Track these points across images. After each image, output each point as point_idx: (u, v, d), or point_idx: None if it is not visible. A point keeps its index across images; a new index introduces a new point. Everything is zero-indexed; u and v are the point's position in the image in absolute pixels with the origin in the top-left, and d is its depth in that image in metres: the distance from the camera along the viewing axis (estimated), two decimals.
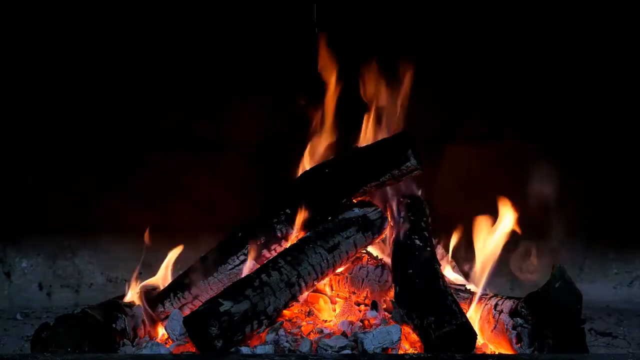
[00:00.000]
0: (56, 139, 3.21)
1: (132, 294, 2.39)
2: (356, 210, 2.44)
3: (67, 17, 3.11)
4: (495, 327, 2.19)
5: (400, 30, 3.12)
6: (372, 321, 2.30)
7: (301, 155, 2.69)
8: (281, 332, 2.18)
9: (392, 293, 2.33)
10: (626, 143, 3.26)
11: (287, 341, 2.15)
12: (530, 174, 2.52)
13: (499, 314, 2.18)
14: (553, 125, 3.26)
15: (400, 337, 2.10)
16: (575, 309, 2.05)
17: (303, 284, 2.23)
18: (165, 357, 2.08)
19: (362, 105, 2.69)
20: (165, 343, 2.25)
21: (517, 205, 2.51)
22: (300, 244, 2.32)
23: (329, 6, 3.02)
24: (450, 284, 2.44)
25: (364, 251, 2.50)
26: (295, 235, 2.44)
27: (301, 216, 2.42)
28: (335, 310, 2.41)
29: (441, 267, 2.35)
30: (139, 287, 2.46)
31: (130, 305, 2.32)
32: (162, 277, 2.51)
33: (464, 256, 2.64)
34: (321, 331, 2.24)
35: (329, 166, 2.52)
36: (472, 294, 2.37)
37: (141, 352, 2.14)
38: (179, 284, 2.43)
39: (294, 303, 2.29)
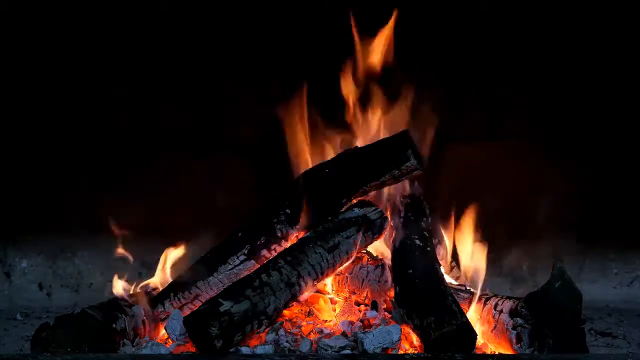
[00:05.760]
0: (56, 139, 3.21)
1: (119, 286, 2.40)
2: (356, 210, 2.44)
3: (67, 17, 3.11)
4: (495, 327, 2.19)
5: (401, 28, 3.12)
6: (372, 321, 2.29)
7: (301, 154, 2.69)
8: (281, 332, 2.18)
9: (392, 293, 2.32)
10: (626, 143, 3.26)
11: (287, 341, 2.15)
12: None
13: (499, 314, 2.18)
14: (554, 124, 3.26)
15: (400, 337, 2.09)
16: (575, 309, 2.05)
17: (303, 284, 2.23)
18: (165, 357, 2.08)
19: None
20: (165, 343, 2.25)
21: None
22: (300, 244, 2.32)
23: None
24: (450, 284, 2.44)
25: (364, 251, 2.50)
26: (295, 235, 2.44)
27: (301, 216, 2.42)
28: (335, 310, 2.41)
29: (441, 267, 2.35)
30: (140, 287, 2.46)
31: (130, 305, 2.32)
32: (160, 278, 2.51)
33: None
34: (321, 331, 2.24)
35: (329, 166, 2.52)
36: (472, 294, 2.37)
37: (141, 352, 2.14)
38: (179, 284, 2.43)
39: (294, 303, 2.29)
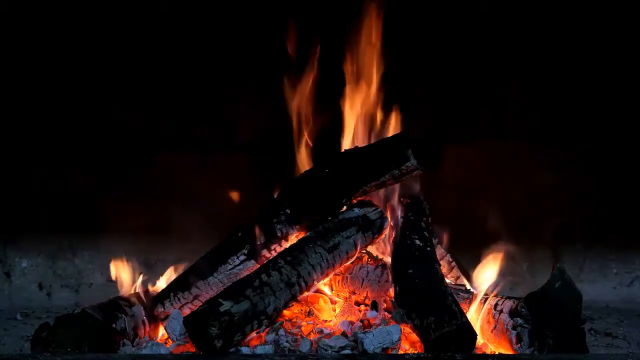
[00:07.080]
0: (56, 140, 3.21)
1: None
2: (356, 210, 2.44)
3: (68, 18, 3.11)
4: (495, 327, 2.19)
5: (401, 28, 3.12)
6: (372, 321, 2.29)
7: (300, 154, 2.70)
8: (281, 332, 2.18)
9: (392, 293, 2.33)
10: (626, 144, 3.26)
11: (287, 341, 2.15)
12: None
13: (499, 314, 2.18)
14: (554, 124, 3.26)
15: (400, 337, 2.10)
16: (575, 309, 2.05)
17: (303, 284, 2.23)
18: (165, 357, 2.08)
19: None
20: (165, 343, 2.25)
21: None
22: (300, 244, 2.32)
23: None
24: (450, 284, 2.44)
25: (364, 251, 2.50)
26: (295, 235, 2.44)
27: (301, 216, 2.42)
28: (335, 310, 2.41)
29: (441, 267, 2.35)
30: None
31: (130, 305, 2.32)
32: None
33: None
34: (321, 331, 2.24)
35: (329, 166, 2.52)
36: (472, 294, 2.37)
37: (141, 352, 2.14)
38: (179, 284, 2.43)
39: (294, 303, 2.29)
